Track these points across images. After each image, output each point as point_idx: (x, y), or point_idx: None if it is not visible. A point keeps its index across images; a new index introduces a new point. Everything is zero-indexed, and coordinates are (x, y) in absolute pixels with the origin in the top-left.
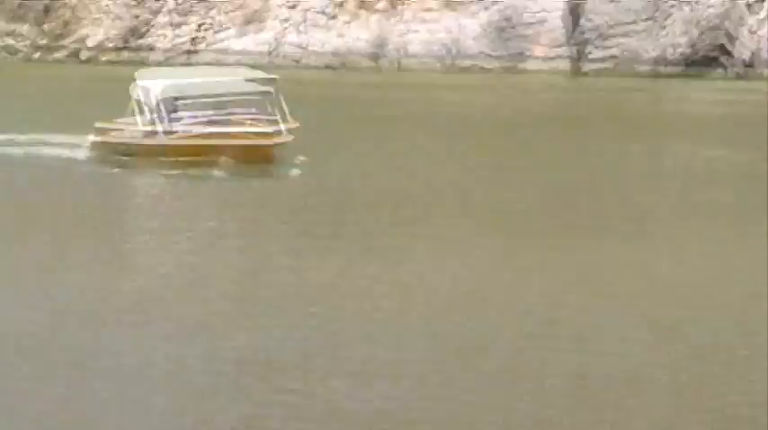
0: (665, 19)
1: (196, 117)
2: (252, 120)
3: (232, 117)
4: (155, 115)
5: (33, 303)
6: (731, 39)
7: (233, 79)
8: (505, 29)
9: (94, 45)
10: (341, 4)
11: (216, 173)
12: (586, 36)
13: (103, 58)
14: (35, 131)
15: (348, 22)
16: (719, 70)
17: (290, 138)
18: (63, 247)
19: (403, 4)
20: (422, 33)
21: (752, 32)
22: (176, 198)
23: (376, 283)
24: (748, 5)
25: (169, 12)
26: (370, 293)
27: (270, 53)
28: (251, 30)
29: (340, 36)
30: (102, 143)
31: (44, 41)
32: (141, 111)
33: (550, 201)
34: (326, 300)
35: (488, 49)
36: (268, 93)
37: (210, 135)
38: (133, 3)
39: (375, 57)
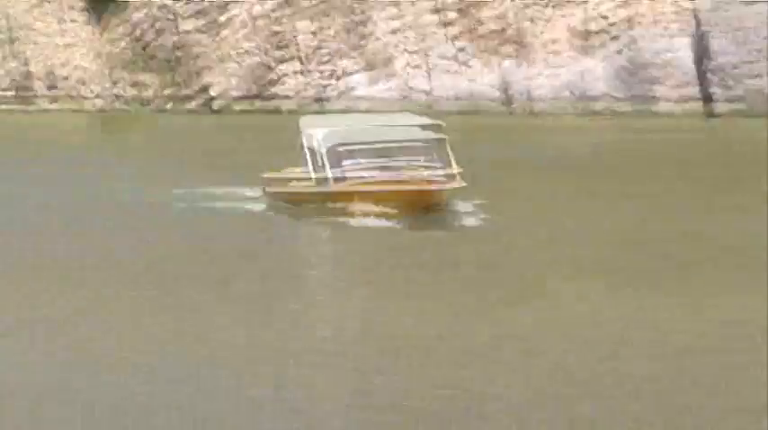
0: None
1: (365, 164)
2: (423, 166)
3: (403, 163)
4: (324, 163)
5: (223, 350)
6: None
7: (401, 125)
8: (633, 71)
9: (221, 93)
10: (465, 49)
11: (388, 220)
12: (713, 77)
13: (236, 108)
14: (201, 184)
15: (475, 67)
16: None
17: (463, 184)
18: (259, 298)
19: (529, 48)
20: (550, 77)
21: None
22: (356, 247)
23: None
24: None
25: (299, 59)
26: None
27: (400, 99)
28: (379, 76)
29: (470, 81)
30: (275, 193)
31: (172, 91)
32: (311, 160)
33: (707, 248)
34: (520, 352)
35: (617, 91)
36: (441, 140)
37: (384, 181)
38: (258, 51)
39: (504, 101)
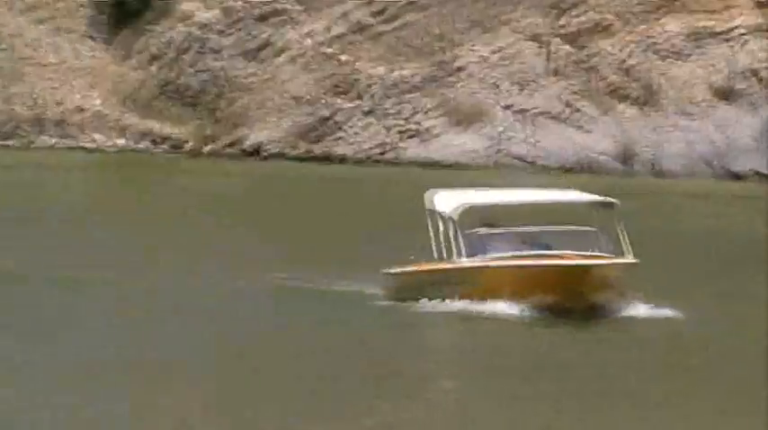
0: None
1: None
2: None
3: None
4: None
5: None
6: None
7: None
8: None
9: (265, 143)
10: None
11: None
12: None
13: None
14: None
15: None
16: None
17: (634, 260)
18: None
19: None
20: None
21: None
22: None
23: None
24: None
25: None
26: None
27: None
28: (465, 135)
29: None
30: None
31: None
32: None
33: None
34: None
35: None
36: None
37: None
38: (309, 98)
39: (624, 159)
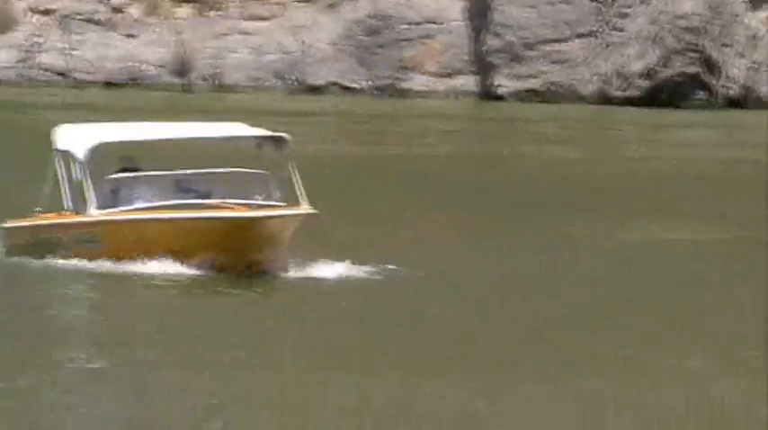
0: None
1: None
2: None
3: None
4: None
5: None
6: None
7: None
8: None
9: None
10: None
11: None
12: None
13: None
14: None
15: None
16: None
17: (312, 209)
18: None
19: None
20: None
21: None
22: None
23: None
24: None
25: None
26: None
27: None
28: None
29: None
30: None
31: None
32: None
33: None
34: None
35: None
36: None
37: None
38: None
39: (180, 72)
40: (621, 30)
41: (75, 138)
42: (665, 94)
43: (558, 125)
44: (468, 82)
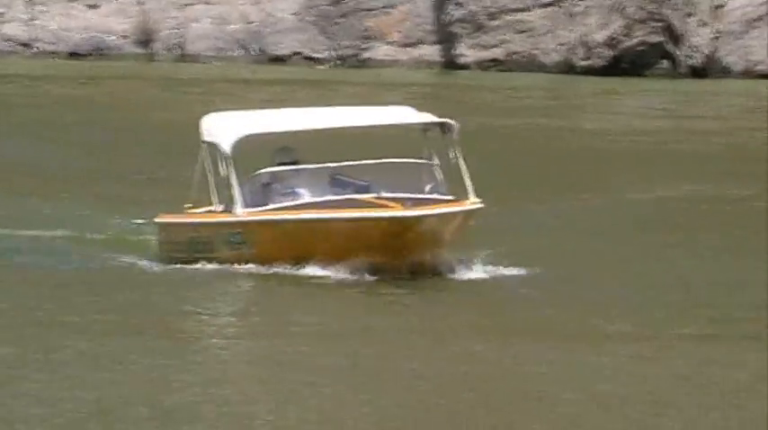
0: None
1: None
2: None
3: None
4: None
5: None
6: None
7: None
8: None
9: None
10: None
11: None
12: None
13: None
14: None
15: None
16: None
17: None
18: None
19: None
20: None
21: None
22: None
23: None
24: None
25: None
26: None
27: None
28: None
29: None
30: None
31: None
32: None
33: None
34: None
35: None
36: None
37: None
38: None
39: (143, 42)
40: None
41: (222, 128)
42: (627, 63)
43: (520, 94)
44: (432, 51)
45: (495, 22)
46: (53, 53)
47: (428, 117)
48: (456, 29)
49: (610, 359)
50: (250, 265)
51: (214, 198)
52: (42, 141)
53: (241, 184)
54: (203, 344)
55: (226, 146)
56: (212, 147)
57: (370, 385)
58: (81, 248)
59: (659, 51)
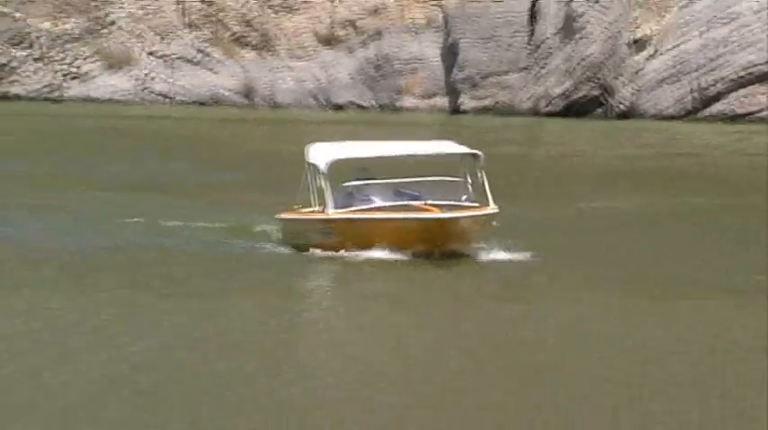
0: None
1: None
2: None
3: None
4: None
5: None
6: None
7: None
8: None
9: None
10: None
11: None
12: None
13: None
14: None
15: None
16: None
17: (496, 209)
18: None
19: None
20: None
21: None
22: None
23: None
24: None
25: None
26: None
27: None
28: (116, 76)
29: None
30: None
31: None
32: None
33: None
34: None
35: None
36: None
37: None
38: None
39: (246, 95)
40: (546, 66)
41: (320, 154)
42: (576, 109)
43: (504, 131)
44: (443, 101)
45: (486, 81)
46: (185, 102)
47: (465, 149)
48: (459, 86)
49: (589, 312)
50: (336, 250)
51: (313, 202)
52: (189, 162)
53: (332, 193)
54: (312, 301)
55: (323, 166)
56: (313, 166)
57: (421, 331)
58: (223, 236)
59: (598, 101)
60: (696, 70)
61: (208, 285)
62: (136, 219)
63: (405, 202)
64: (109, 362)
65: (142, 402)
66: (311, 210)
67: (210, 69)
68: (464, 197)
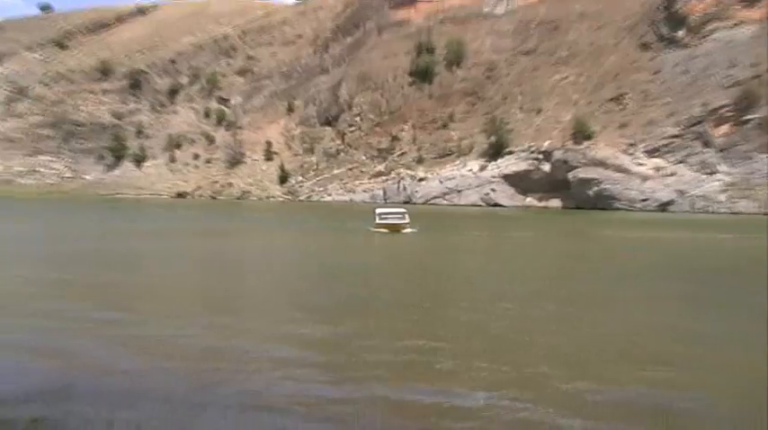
0: None
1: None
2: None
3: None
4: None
5: None
6: None
7: (398, 209)
8: None
9: None
10: None
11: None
12: None
13: None
14: None
15: None
16: None
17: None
18: None
19: None
20: None
21: None
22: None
23: None
24: None
25: None
26: None
27: None
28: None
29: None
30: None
31: None
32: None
33: None
34: None
35: None
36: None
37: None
38: None
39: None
40: None
41: (378, 210)
42: None
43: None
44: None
45: None
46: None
47: (401, 208)
48: None
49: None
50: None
51: (374, 222)
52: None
53: (375, 218)
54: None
55: (377, 212)
56: (375, 213)
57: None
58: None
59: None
60: None
61: None
62: None
63: (393, 219)
64: None
65: None
66: (375, 224)
67: (374, 175)
68: (407, 218)
